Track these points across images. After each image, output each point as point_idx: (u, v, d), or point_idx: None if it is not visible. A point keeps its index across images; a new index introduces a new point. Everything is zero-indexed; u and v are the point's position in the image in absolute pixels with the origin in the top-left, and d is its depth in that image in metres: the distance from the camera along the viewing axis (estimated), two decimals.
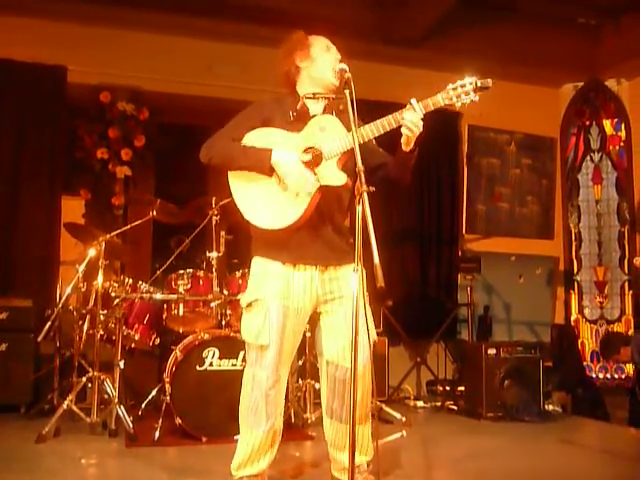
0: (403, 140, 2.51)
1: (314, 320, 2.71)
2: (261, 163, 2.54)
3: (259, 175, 2.58)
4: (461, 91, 2.41)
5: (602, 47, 6.67)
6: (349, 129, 2.42)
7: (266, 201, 2.57)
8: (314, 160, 2.55)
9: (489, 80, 2.42)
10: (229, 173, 2.64)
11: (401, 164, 2.62)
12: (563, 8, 6.25)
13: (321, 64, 2.65)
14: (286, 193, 2.55)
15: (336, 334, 2.64)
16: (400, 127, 2.46)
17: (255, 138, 2.61)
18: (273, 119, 2.62)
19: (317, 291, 2.62)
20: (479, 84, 2.41)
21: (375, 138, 2.55)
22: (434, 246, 6.57)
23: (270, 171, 2.54)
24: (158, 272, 4.55)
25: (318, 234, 2.61)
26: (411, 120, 2.42)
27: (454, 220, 6.70)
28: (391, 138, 2.56)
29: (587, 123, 7.12)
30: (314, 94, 2.64)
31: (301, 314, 2.62)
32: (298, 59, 2.69)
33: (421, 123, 2.44)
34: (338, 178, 2.53)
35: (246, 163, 2.57)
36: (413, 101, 2.43)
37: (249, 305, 2.62)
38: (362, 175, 2.18)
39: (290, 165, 2.52)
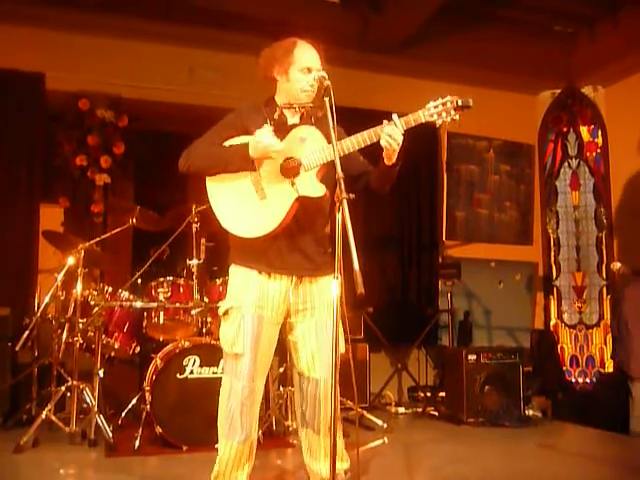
0: (384, 154, 2.51)
1: (285, 330, 2.69)
2: (241, 155, 2.52)
3: (237, 183, 2.57)
4: (442, 109, 2.44)
5: (578, 54, 6.76)
6: (329, 139, 2.41)
7: (244, 209, 2.56)
8: (293, 170, 2.54)
9: (470, 100, 2.44)
10: (207, 180, 2.63)
11: (382, 176, 2.63)
12: (539, 16, 6.32)
13: (295, 84, 2.62)
14: (264, 202, 2.54)
15: (305, 345, 2.63)
16: (380, 141, 2.46)
17: (233, 143, 2.61)
18: (252, 127, 2.60)
19: (290, 301, 2.62)
20: (459, 103, 2.43)
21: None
22: (414, 252, 6.60)
23: (251, 165, 2.52)
24: (133, 279, 4.50)
25: (296, 244, 2.60)
26: (390, 135, 2.43)
27: (434, 226, 6.74)
28: (375, 148, 2.57)
29: (564, 130, 7.20)
30: (291, 104, 2.63)
31: (274, 324, 2.61)
32: (275, 71, 2.67)
33: (401, 138, 2.44)
34: (317, 189, 2.52)
35: (226, 162, 2.55)
36: (395, 117, 2.44)
37: (225, 313, 2.61)
38: (342, 183, 2.19)
39: (267, 139, 2.48)
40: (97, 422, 3.95)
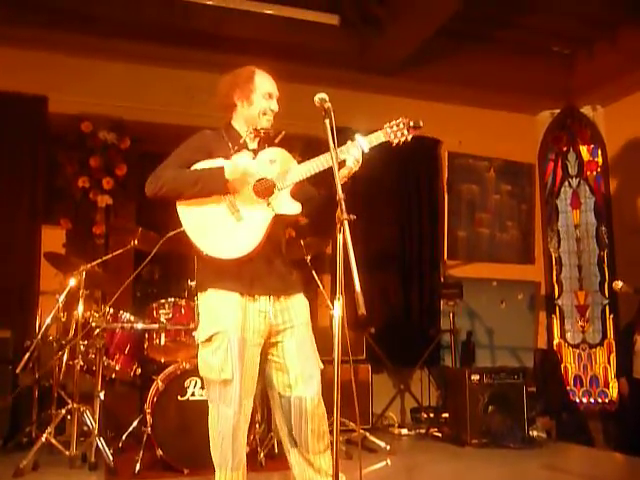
0: (344, 173, 2.55)
1: (265, 351, 2.65)
2: (215, 177, 2.54)
3: (211, 207, 2.58)
4: (396, 129, 2.56)
5: (577, 74, 6.81)
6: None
7: (221, 232, 2.56)
8: (267, 191, 2.58)
9: (420, 121, 2.57)
10: (178, 204, 2.61)
11: (328, 200, 2.64)
12: (538, 37, 6.38)
13: (256, 109, 2.69)
14: (241, 223, 2.55)
15: (288, 364, 2.60)
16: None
17: (204, 167, 2.62)
18: (216, 151, 2.63)
19: (270, 321, 2.60)
20: (411, 124, 2.57)
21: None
22: (416, 272, 6.59)
23: (225, 187, 2.54)
24: (115, 296, 4.43)
25: (270, 264, 2.61)
26: (355, 156, 2.53)
27: (435, 246, 6.73)
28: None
29: (564, 149, 7.23)
30: (258, 130, 2.69)
31: (256, 345, 2.58)
32: (236, 97, 2.71)
33: (361, 159, 2.54)
34: (293, 207, 2.58)
35: (198, 184, 2.55)
36: (358, 136, 2.55)
37: (208, 340, 2.55)
38: (342, 204, 2.20)
39: (246, 161, 2.56)
40: (98, 445, 3.92)
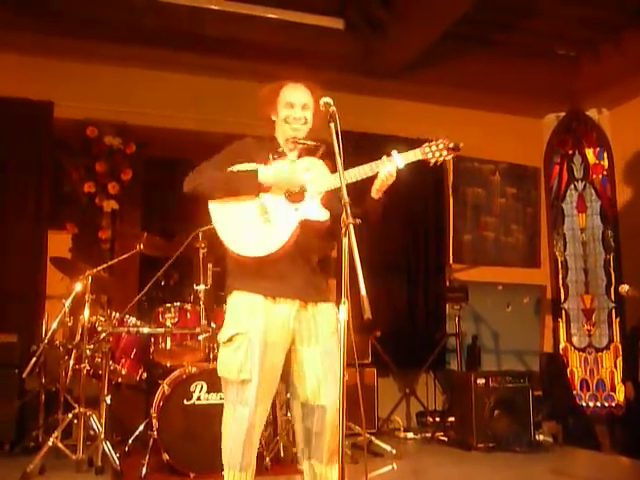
0: (376, 187, 2.61)
1: (289, 358, 2.67)
2: (249, 180, 2.61)
3: (242, 208, 2.63)
4: (435, 149, 2.60)
5: (582, 77, 6.79)
6: (332, 172, 2.59)
7: (248, 232, 2.61)
8: (298, 196, 2.62)
9: (460, 144, 2.62)
10: (210, 203, 2.68)
11: (370, 210, 2.72)
12: (543, 40, 6.37)
13: (281, 119, 2.76)
14: (268, 225, 2.59)
15: (311, 373, 2.60)
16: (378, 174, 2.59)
17: (240, 168, 2.68)
18: (256, 158, 2.69)
19: (294, 326, 2.61)
20: (451, 146, 2.61)
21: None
22: (421, 276, 6.58)
23: (257, 189, 2.61)
24: (133, 301, 4.46)
25: (297, 269, 2.63)
26: (389, 170, 2.55)
27: (441, 250, 6.73)
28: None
29: (570, 152, 7.21)
30: (294, 140, 2.74)
31: (278, 349, 2.59)
32: (268, 110, 2.81)
33: (395, 174, 2.57)
34: (320, 214, 2.61)
35: (233, 185, 2.64)
36: (394, 152, 2.57)
37: (229, 340, 2.58)
38: (348, 208, 2.21)
39: (282, 167, 2.63)
40: (104, 449, 3.93)
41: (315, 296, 2.66)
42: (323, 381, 2.56)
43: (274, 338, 2.57)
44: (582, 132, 7.15)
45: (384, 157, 2.58)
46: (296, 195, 2.63)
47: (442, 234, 6.77)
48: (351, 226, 2.17)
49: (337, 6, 5.83)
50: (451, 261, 6.83)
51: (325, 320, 2.64)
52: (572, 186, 7.19)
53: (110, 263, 4.72)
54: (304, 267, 2.65)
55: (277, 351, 2.59)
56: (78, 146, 5.69)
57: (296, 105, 2.74)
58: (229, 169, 2.67)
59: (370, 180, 2.62)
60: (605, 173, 7.04)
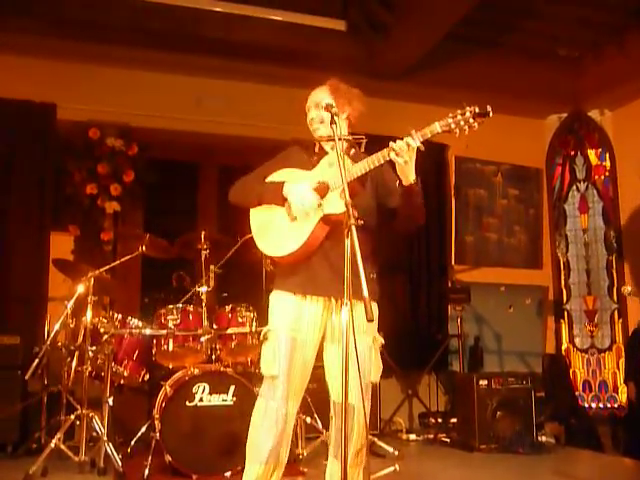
0: (398, 171, 2.53)
1: (323, 356, 2.73)
2: (274, 192, 2.69)
3: (274, 209, 2.71)
4: (460, 118, 2.44)
5: (584, 78, 6.79)
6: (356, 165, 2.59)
7: (275, 231, 2.70)
8: (321, 191, 2.64)
9: (489, 107, 2.44)
10: (251, 211, 2.80)
11: (405, 200, 2.64)
12: (544, 41, 6.37)
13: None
14: (294, 224, 2.65)
15: (338, 371, 2.57)
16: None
17: (275, 178, 2.77)
18: (295, 164, 2.79)
19: (325, 323, 2.66)
20: (477, 110, 2.43)
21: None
22: (423, 277, 6.57)
23: (283, 200, 2.67)
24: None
25: (330, 265, 2.63)
26: (398, 146, 2.46)
27: (443, 251, 6.72)
28: None
29: (572, 153, 7.21)
30: (327, 137, 2.78)
31: (309, 346, 2.63)
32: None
33: (406, 148, 2.45)
34: (339, 206, 2.55)
35: (260, 197, 2.74)
36: (412, 132, 2.47)
37: (265, 337, 2.66)
38: (350, 208, 2.21)
39: (298, 189, 2.65)
40: (106, 451, 3.93)
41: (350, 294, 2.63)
42: (350, 380, 2.55)
43: (304, 335, 2.61)
44: (584, 133, 7.15)
45: (405, 139, 2.46)
46: (321, 191, 2.65)
47: (444, 235, 6.76)
48: (353, 227, 2.18)
49: (339, 8, 5.83)
50: (453, 262, 6.82)
51: (357, 320, 2.57)
52: (574, 187, 7.18)
53: (112, 265, 4.72)
54: (337, 263, 2.54)
55: (308, 348, 2.63)
56: (80, 148, 5.69)
57: (310, 107, 2.84)
58: (267, 178, 2.76)
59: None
60: (607, 174, 7.03)
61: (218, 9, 5.55)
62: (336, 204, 2.59)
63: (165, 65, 5.83)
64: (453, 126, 2.44)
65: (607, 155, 7.04)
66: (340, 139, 2.45)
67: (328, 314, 2.66)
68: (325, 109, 2.55)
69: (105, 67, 5.72)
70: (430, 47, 5.74)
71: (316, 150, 2.81)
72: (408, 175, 2.53)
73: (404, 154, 2.46)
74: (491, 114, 2.43)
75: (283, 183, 2.68)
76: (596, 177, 7.09)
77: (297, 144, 2.95)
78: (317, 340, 2.66)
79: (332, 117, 2.48)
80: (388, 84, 6.21)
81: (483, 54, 6.31)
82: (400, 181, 2.57)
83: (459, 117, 2.43)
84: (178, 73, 5.91)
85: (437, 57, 5.96)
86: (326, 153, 2.79)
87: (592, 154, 7.13)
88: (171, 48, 5.64)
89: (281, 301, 2.68)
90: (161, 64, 5.82)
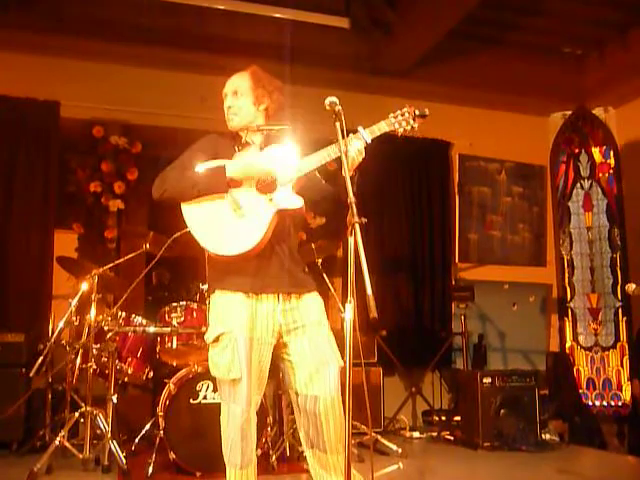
0: (347, 165, 2.45)
1: (279, 351, 2.65)
2: (215, 177, 2.56)
3: (214, 205, 2.58)
4: (401, 119, 2.56)
5: (588, 76, 6.78)
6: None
7: (222, 228, 2.56)
8: (270, 186, 2.57)
9: (426, 110, 2.57)
10: (182, 204, 2.63)
11: (343, 189, 2.55)
12: (549, 39, 6.36)
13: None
14: (243, 219, 2.55)
15: (302, 363, 2.58)
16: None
17: (206, 166, 2.63)
18: (221, 153, 2.66)
19: (279, 321, 2.58)
20: (417, 112, 2.56)
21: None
22: (427, 275, 6.57)
23: (227, 185, 2.56)
24: (120, 301, 4.45)
25: (277, 261, 2.59)
26: (357, 147, 2.50)
27: (446, 249, 6.72)
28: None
29: (576, 151, 7.18)
30: (259, 127, 2.71)
31: (264, 345, 2.57)
32: None
33: (363, 151, 2.52)
34: (295, 202, 2.56)
35: (199, 185, 2.57)
36: (360, 128, 2.53)
37: (216, 340, 2.56)
38: (354, 207, 2.19)
39: (250, 157, 2.59)
40: (110, 448, 3.94)
41: (297, 288, 2.62)
42: (314, 372, 2.53)
43: (260, 333, 2.55)
44: (588, 130, 7.12)
45: (351, 135, 2.50)
46: (268, 185, 2.57)
47: (448, 233, 6.76)
48: (357, 225, 2.16)
49: (342, 5, 5.82)
50: (457, 260, 6.82)
51: (310, 310, 2.61)
52: (578, 185, 7.16)
53: (116, 262, 4.72)
54: (283, 258, 2.60)
55: (264, 346, 2.57)
56: (84, 146, 5.70)
57: (227, 93, 2.75)
58: (195, 169, 2.61)
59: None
60: (611, 172, 7.01)
61: (221, 7, 5.54)
62: (289, 199, 2.56)
63: (169, 63, 5.83)
64: (397, 126, 2.55)
65: (611, 153, 7.01)
66: (343, 136, 2.41)
67: (282, 309, 2.59)
68: (329, 105, 2.47)
69: (109, 65, 5.72)
70: (433, 45, 5.74)
71: (242, 141, 2.70)
72: (352, 169, 2.54)
73: (362, 155, 2.53)
74: (427, 114, 2.57)
75: (223, 166, 2.56)
76: (600, 175, 7.06)
77: (214, 133, 2.82)
78: (272, 338, 2.59)
79: (336, 115, 2.43)
80: (391, 81, 6.21)
81: (486, 52, 6.31)
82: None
83: (400, 117, 2.56)
84: (182, 71, 5.90)
85: (440, 55, 5.95)
86: (249, 145, 2.71)
87: (596, 152, 7.11)
88: (175, 46, 5.64)
89: (231, 302, 2.56)
90: (165, 62, 5.82)
